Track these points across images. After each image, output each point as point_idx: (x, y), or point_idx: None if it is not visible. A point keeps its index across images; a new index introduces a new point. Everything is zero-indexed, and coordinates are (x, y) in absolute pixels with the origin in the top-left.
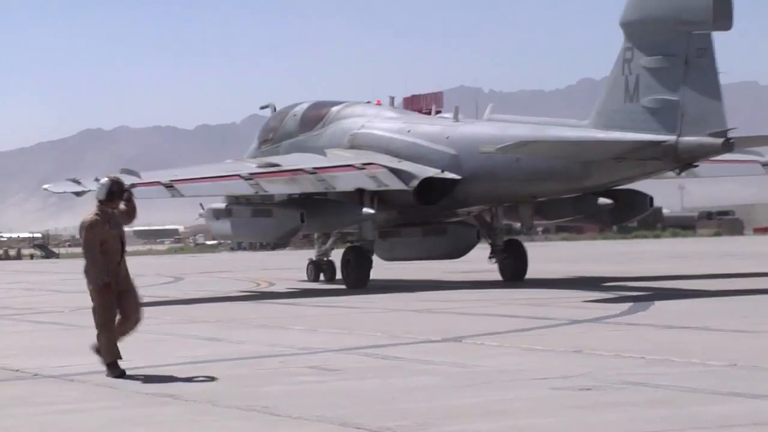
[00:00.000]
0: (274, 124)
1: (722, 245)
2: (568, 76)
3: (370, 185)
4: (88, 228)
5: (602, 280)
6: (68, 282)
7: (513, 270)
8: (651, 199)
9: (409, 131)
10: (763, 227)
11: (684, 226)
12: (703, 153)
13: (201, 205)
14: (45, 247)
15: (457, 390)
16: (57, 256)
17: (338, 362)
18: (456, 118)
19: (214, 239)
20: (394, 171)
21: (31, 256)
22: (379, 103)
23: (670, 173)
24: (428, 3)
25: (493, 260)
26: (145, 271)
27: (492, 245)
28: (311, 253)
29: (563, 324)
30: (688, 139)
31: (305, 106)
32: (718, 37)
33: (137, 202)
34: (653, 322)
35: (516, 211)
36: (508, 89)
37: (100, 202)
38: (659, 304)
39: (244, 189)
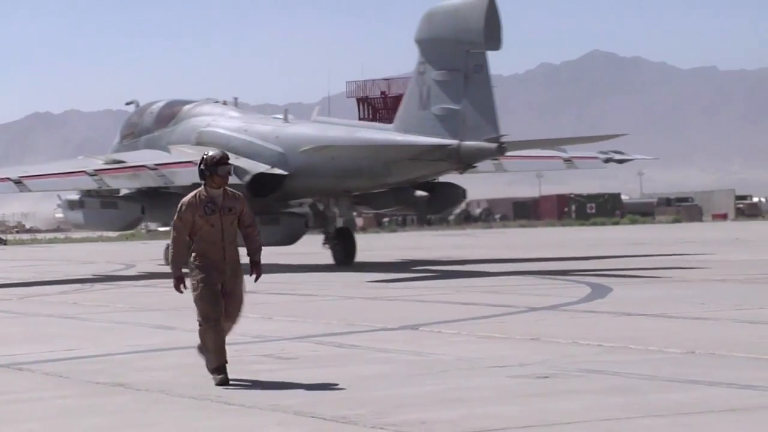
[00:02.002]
0: (135, 120)
1: (681, 232)
2: (526, 61)
3: None
4: (178, 210)
5: (562, 267)
6: (16, 269)
7: (343, 254)
8: (464, 191)
9: (246, 130)
10: (721, 213)
11: (643, 212)
12: (481, 156)
13: (59, 196)
14: None
15: (414, 378)
16: (5, 242)
17: (293, 350)
18: (286, 119)
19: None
20: None
21: None
22: (225, 103)
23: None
24: None
25: (327, 246)
26: (96, 257)
27: (325, 233)
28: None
29: (521, 311)
30: (469, 143)
31: (161, 103)
32: (685, 25)
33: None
34: (611, 310)
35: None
36: None
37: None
38: (617, 292)
39: (89, 184)
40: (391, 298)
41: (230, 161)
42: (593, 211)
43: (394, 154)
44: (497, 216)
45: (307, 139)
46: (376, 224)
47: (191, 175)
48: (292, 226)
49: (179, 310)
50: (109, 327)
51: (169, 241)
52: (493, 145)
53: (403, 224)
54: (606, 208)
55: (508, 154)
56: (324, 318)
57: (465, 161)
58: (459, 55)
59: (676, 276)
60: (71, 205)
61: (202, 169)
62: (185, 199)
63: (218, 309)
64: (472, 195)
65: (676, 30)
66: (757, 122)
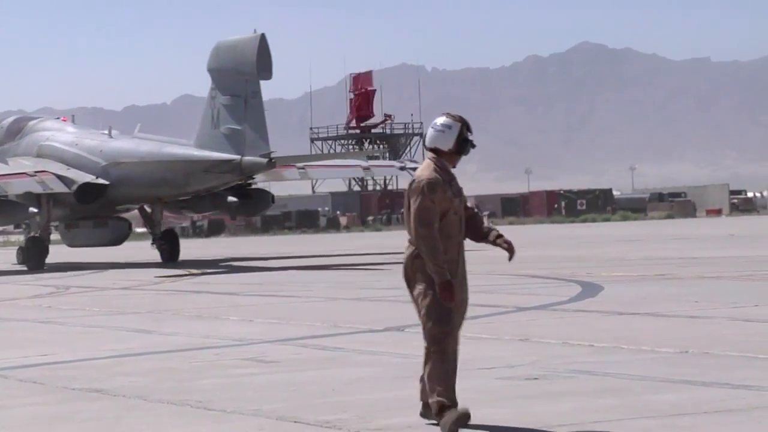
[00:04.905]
0: None
1: (674, 228)
2: (514, 53)
3: (38, 189)
4: (427, 189)
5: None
6: None
7: (169, 253)
8: (273, 196)
9: (77, 144)
10: (715, 209)
11: (635, 208)
12: (257, 169)
13: None
14: None
15: (400, 381)
16: None
17: (275, 354)
18: (110, 135)
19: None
20: (61, 177)
21: None
22: (65, 120)
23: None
24: None
25: (155, 246)
26: (66, 259)
27: (152, 234)
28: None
29: (510, 311)
30: (248, 158)
31: (11, 119)
32: (676, 16)
33: None
34: (602, 309)
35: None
36: (452, 67)
37: (438, 152)
38: (608, 290)
39: None
40: (377, 299)
41: (65, 173)
42: (583, 207)
43: (190, 167)
44: (485, 213)
45: (123, 153)
46: (361, 223)
47: (23, 185)
48: (119, 229)
49: (157, 313)
50: (84, 331)
51: (21, 245)
52: (264, 160)
53: (387, 223)
54: (597, 204)
55: (314, 164)
56: (307, 320)
57: (246, 173)
58: (239, 84)
59: (669, 273)
60: None
61: (466, 139)
62: (425, 173)
63: (450, 328)
64: None
65: (668, 21)
66: (751, 115)
